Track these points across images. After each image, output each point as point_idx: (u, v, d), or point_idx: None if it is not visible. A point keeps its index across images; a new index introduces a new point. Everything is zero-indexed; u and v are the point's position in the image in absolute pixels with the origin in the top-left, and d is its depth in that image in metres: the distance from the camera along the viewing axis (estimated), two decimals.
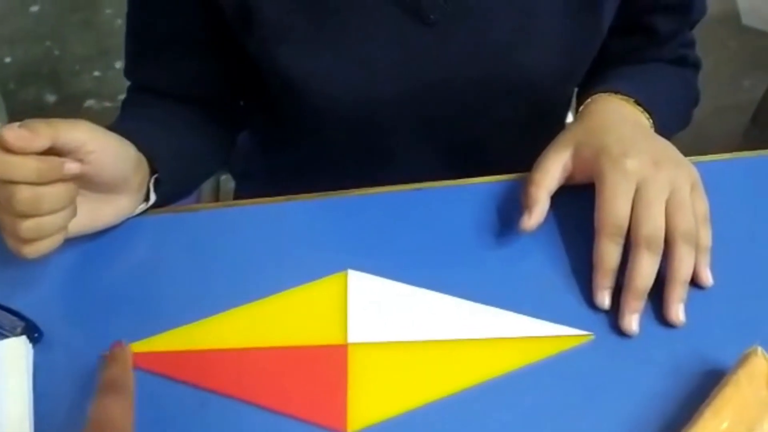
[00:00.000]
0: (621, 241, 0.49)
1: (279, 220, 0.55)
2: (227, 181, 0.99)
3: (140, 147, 0.52)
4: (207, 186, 1.04)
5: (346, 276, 0.51)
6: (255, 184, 0.84)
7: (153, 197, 0.54)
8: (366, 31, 0.56)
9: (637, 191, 0.49)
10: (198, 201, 1.04)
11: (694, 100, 0.71)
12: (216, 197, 1.07)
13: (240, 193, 0.87)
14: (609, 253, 0.48)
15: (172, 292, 0.51)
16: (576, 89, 0.72)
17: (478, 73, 0.59)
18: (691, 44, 0.69)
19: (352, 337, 0.48)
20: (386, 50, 0.57)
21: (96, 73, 1.82)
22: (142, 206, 0.54)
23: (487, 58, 0.58)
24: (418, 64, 0.58)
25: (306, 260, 0.52)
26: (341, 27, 0.56)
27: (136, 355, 0.46)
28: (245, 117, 0.74)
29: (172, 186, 0.56)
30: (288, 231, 0.54)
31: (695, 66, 0.70)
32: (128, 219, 0.54)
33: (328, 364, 0.47)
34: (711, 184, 0.52)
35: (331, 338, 0.48)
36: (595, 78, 0.66)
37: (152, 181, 0.54)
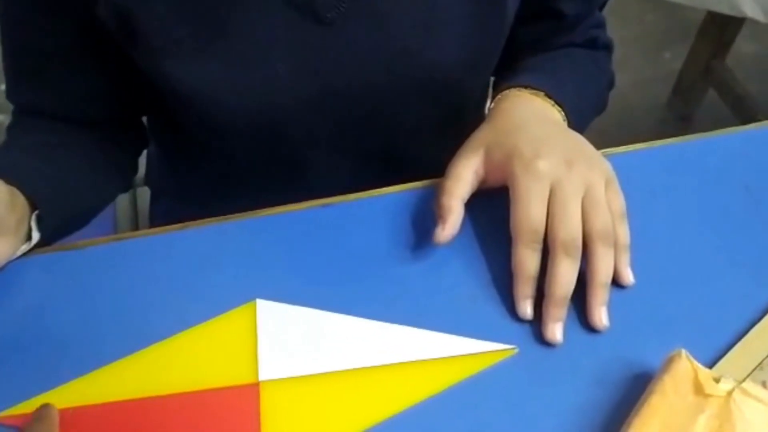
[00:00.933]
0: (538, 246, 0.47)
1: (176, 251, 0.51)
2: (144, 193, 0.94)
3: (14, 183, 0.47)
4: (123, 201, 0.99)
5: (254, 306, 0.48)
6: (169, 200, 0.80)
7: (36, 236, 0.50)
8: (259, 36, 0.53)
9: (551, 193, 0.47)
10: (113, 218, 0.99)
11: (609, 83, 0.69)
12: (134, 212, 1.02)
13: (154, 211, 0.83)
14: (527, 261, 0.46)
15: (61, 340, 0.46)
16: (493, 81, 0.70)
17: (382, 73, 0.56)
18: (601, 25, 0.68)
19: (264, 375, 0.45)
20: (282, 55, 0.54)
21: None
22: (24, 247, 0.49)
23: (389, 55, 0.55)
24: (318, 67, 0.55)
25: (209, 293, 0.48)
26: (232, 34, 0.52)
27: (20, 417, 0.42)
28: (145, 135, 0.69)
29: (57, 221, 0.51)
30: (187, 262, 0.50)
31: (607, 47, 0.69)
32: (10, 262, 0.49)
33: (239, 406, 0.44)
34: (627, 177, 0.50)
35: (241, 377, 0.45)
36: (506, 70, 0.63)
37: (33, 218, 0.49)
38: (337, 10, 0.52)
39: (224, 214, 0.53)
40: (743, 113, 1.45)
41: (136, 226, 0.99)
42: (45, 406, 0.42)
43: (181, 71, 0.53)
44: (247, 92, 0.55)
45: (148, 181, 0.86)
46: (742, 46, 1.72)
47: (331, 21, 0.53)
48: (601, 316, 0.46)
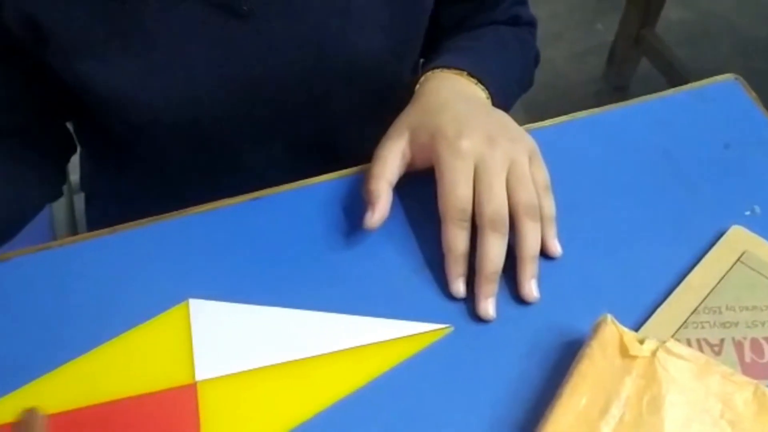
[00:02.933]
0: (467, 225, 0.47)
1: (105, 257, 0.50)
2: (82, 202, 0.92)
3: None
4: (60, 208, 0.97)
5: (187, 306, 0.47)
6: (103, 204, 0.78)
7: None
8: (174, 33, 0.52)
9: (476, 171, 0.47)
10: (50, 224, 0.97)
11: (534, 60, 0.70)
12: (72, 218, 1.00)
13: (90, 216, 0.81)
14: (456, 240, 0.47)
15: None
16: (422, 63, 0.70)
17: (304, 62, 0.56)
18: (522, 2, 0.69)
19: (201, 374, 0.44)
20: (201, 50, 0.53)
21: None
22: None
23: (309, 44, 0.55)
24: (239, 60, 0.54)
25: (139, 297, 0.47)
26: (147, 32, 0.51)
27: None
28: (71, 141, 0.67)
29: None
30: (117, 267, 0.49)
31: (530, 24, 0.69)
32: None
33: (177, 408, 0.43)
34: (552, 149, 0.51)
35: (177, 379, 0.44)
36: (432, 51, 0.64)
37: None
38: (252, 2, 0.52)
39: (159, 214, 0.52)
40: (675, 79, 1.49)
41: (75, 232, 0.97)
42: (31, 413, 0.41)
43: (98, 73, 0.52)
44: (167, 90, 0.54)
45: (83, 185, 0.85)
46: (672, 12, 1.76)
47: (248, 13, 0.52)
48: (531, 288, 0.47)
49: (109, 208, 0.76)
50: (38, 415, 0.42)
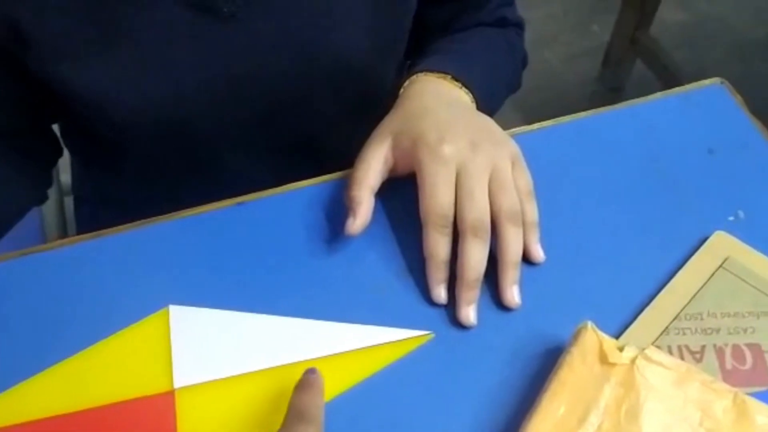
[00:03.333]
0: (448, 231, 0.47)
1: (86, 262, 0.49)
2: (72, 204, 0.92)
3: None
4: (50, 211, 0.96)
5: (167, 313, 0.47)
6: (91, 208, 0.78)
7: None
8: (156, 36, 0.51)
9: (458, 177, 0.47)
10: (41, 226, 0.97)
11: (522, 61, 0.70)
12: (62, 221, 1.00)
13: (79, 218, 0.81)
14: (438, 245, 0.47)
15: None
16: (408, 65, 0.70)
17: (287, 65, 0.55)
18: (509, 3, 0.68)
19: (179, 382, 0.44)
20: (182, 52, 0.53)
21: None
22: None
23: (292, 46, 0.55)
24: (222, 63, 0.54)
25: (120, 303, 0.47)
26: (129, 35, 0.51)
27: None
28: (58, 144, 0.67)
29: None
30: (98, 272, 0.49)
31: (517, 25, 0.69)
32: None
33: (154, 416, 0.43)
34: (536, 154, 0.51)
35: (155, 386, 0.44)
36: (417, 53, 0.63)
37: None
38: (234, 4, 0.51)
39: (147, 218, 0.52)
40: (669, 81, 1.49)
41: (65, 234, 0.97)
42: (311, 374, 0.42)
43: (79, 75, 0.52)
44: (149, 91, 0.53)
45: (73, 184, 0.84)
46: (668, 14, 1.75)
47: (230, 15, 0.52)
48: (513, 294, 0.46)
49: (98, 211, 0.76)
50: (318, 377, 0.42)
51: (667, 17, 1.75)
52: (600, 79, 1.70)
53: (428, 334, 0.46)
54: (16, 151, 0.60)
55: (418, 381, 0.44)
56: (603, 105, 0.59)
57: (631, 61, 1.63)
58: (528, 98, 1.67)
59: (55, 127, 0.68)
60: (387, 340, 0.46)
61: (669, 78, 1.48)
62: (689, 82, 0.60)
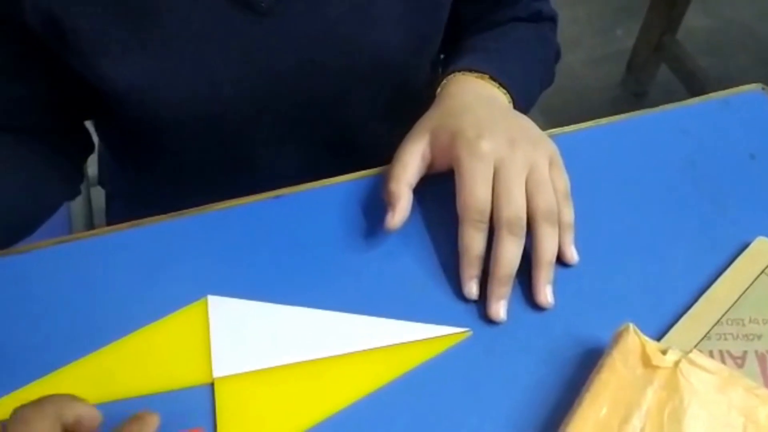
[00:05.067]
0: (484, 226, 0.47)
1: (124, 251, 0.50)
2: (98, 192, 0.93)
3: None
4: (77, 202, 0.97)
5: (206, 303, 0.47)
6: (123, 202, 0.78)
7: None
8: (194, 31, 0.52)
9: (495, 173, 0.47)
10: (67, 217, 0.97)
11: (555, 56, 0.69)
12: (89, 212, 1.00)
13: (110, 213, 0.81)
14: (473, 241, 0.47)
15: (7, 348, 0.45)
16: (442, 59, 0.69)
17: (323, 59, 0.55)
18: None
19: (218, 372, 0.44)
20: (220, 47, 0.53)
21: None
22: None
23: (329, 41, 0.55)
24: (258, 57, 0.54)
25: (159, 292, 0.47)
26: (166, 29, 0.51)
27: None
28: (90, 140, 0.67)
29: None
30: (136, 262, 0.49)
31: (551, 19, 0.69)
32: None
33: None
34: (573, 155, 0.51)
35: (195, 377, 0.44)
36: (452, 48, 0.63)
37: None
38: None
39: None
40: (695, 88, 1.48)
41: (91, 225, 0.98)
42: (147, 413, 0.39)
43: (117, 70, 0.52)
44: (187, 87, 0.54)
45: (101, 181, 0.85)
46: (693, 20, 1.74)
47: (267, 10, 0.52)
48: (546, 294, 0.46)
49: (131, 207, 0.76)
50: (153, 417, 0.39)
51: (692, 23, 1.73)
52: (623, 83, 1.69)
53: (466, 331, 0.46)
54: (51, 146, 0.61)
55: (453, 378, 0.44)
56: (626, 110, 0.58)
57: (655, 67, 1.62)
58: (549, 101, 1.66)
59: (88, 123, 0.68)
60: (424, 337, 0.46)
61: (694, 84, 1.47)
62: (715, 88, 0.59)
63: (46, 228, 0.62)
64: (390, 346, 0.45)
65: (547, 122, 1.59)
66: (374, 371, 0.44)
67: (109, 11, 0.49)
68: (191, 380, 0.44)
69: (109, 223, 0.80)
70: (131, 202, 0.76)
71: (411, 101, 0.64)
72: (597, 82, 1.70)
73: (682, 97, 0.58)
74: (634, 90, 1.67)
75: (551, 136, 0.52)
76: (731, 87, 0.59)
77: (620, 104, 1.66)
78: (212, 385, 0.44)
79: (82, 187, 0.95)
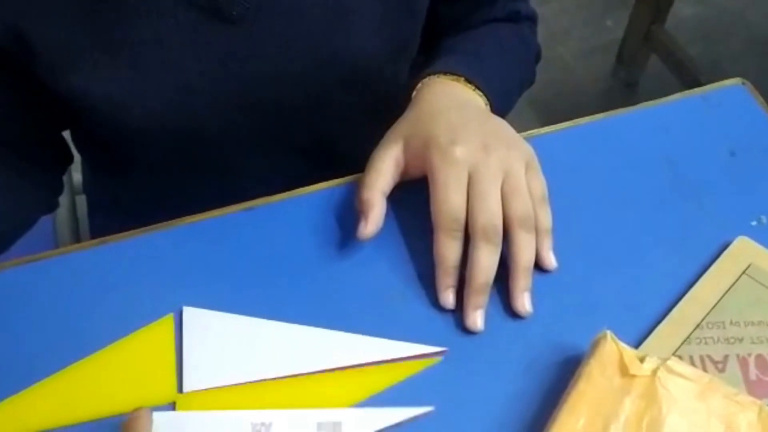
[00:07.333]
0: (459, 234, 0.46)
1: (96, 267, 0.49)
2: (83, 201, 0.92)
3: None
4: (62, 210, 0.96)
5: (171, 320, 0.46)
6: (103, 213, 0.77)
7: None
8: (164, 42, 0.50)
9: (470, 180, 0.46)
10: (53, 225, 0.96)
11: (535, 56, 0.68)
12: (74, 221, 0.99)
13: (93, 224, 0.80)
14: (448, 250, 0.46)
15: None
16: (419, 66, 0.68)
17: (298, 67, 0.54)
18: None
19: (188, 386, 0.43)
20: (192, 57, 0.52)
21: None
22: None
23: (303, 48, 0.53)
24: (231, 67, 0.53)
25: (127, 309, 0.46)
26: (136, 41, 0.50)
27: None
28: (68, 151, 0.66)
29: None
30: (107, 277, 0.48)
31: (530, 19, 0.68)
32: None
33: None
34: (550, 157, 0.50)
35: (162, 392, 0.43)
36: (431, 50, 0.62)
37: None
38: (242, 7, 0.50)
39: (156, 223, 0.51)
40: (685, 77, 1.46)
41: (77, 233, 0.97)
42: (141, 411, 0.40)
43: (88, 84, 0.51)
44: (158, 98, 0.53)
45: (85, 189, 0.84)
46: (682, 9, 1.73)
47: (238, 18, 0.51)
48: (524, 301, 0.45)
49: (112, 216, 0.75)
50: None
51: (682, 11, 1.72)
52: (614, 74, 1.68)
53: (442, 350, 0.45)
54: (28, 159, 0.59)
55: (431, 391, 0.43)
56: (617, 100, 0.58)
57: (646, 57, 1.61)
58: (541, 94, 1.65)
59: (66, 134, 0.67)
60: (400, 356, 0.44)
61: (684, 73, 1.46)
62: (705, 77, 0.59)
63: (30, 237, 0.61)
64: (366, 364, 0.44)
65: (536, 115, 1.58)
66: (349, 389, 0.44)
67: (77, 25, 0.48)
68: (154, 399, 0.43)
69: (92, 234, 0.79)
70: (111, 211, 0.75)
71: (390, 107, 0.63)
72: (587, 74, 1.69)
73: (673, 86, 0.57)
74: (625, 80, 1.66)
75: (529, 138, 0.51)
76: (722, 75, 0.58)
77: (612, 95, 1.64)
78: (174, 404, 0.43)
79: (68, 195, 0.94)
